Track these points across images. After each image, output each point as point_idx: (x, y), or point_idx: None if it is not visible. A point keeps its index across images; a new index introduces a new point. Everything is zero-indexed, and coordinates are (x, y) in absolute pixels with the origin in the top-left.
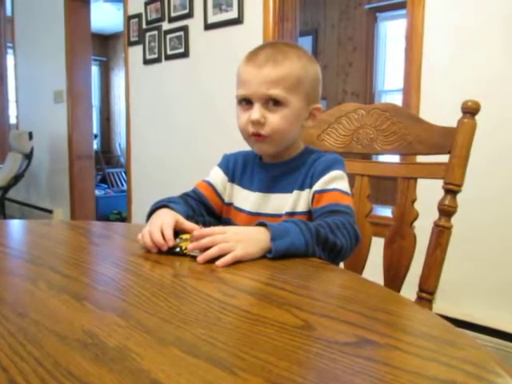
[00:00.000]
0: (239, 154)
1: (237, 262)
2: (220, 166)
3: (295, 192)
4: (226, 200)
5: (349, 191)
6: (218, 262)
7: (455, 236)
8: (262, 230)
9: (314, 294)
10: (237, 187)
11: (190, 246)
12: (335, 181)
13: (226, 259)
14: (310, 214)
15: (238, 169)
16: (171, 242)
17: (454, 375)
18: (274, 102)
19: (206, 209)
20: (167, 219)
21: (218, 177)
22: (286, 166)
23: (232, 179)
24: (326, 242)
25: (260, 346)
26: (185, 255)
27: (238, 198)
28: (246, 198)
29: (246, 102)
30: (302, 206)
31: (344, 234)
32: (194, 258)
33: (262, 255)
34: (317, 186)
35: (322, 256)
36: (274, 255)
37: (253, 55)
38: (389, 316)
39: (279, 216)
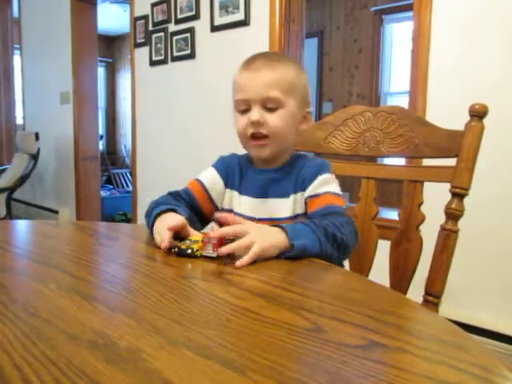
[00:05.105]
0: (234, 157)
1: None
2: (217, 169)
3: (292, 196)
4: (225, 207)
5: (340, 193)
6: (238, 263)
7: (459, 238)
8: (277, 229)
9: (322, 297)
10: (236, 193)
11: (212, 234)
12: (325, 184)
13: (245, 260)
14: (305, 216)
15: (236, 174)
16: (164, 243)
17: (464, 379)
18: (272, 103)
19: (195, 212)
20: (177, 220)
21: (213, 180)
22: (279, 172)
23: (229, 185)
24: (334, 239)
25: (270, 347)
26: (196, 257)
27: (238, 204)
28: (245, 204)
29: (244, 106)
30: (299, 209)
31: (347, 231)
32: (207, 258)
33: (277, 254)
34: (308, 192)
35: (334, 253)
36: (294, 253)
37: (248, 63)
38: (398, 319)
39: (279, 220)
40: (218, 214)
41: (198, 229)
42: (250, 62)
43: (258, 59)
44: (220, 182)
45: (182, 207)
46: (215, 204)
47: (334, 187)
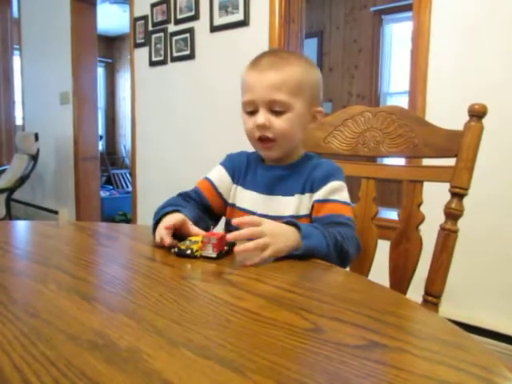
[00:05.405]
0: (243, 154)
1: None
2: (225, 166)
3: (297, 196)
4: (230, 201)
5: (349, 201)
6: (248, 262)
7: (459, 238)
8: (292, 228)
9: (322, 297)
10: (240, 188)
11: (229, 236)
12: (336, 192)
13: (256, 260)
14: (311, 218)
15: (242, 170)
16: (167, 240)
17: (463, 379)
18: (278, 106)
19: (206, 210)
20: (176, 218)
21: (221, 177)
22: (287, 170)
23: (236, 180)
24: (341, 250)
25: (270, 348)
26: (196, 257)
27: (240, 198)
28: (249, 199)
29: (251, 107)
30: (304, 210)
31: (352, 244)
32: (206, 258)
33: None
34: (317, 196)
35: (334, 261)
36: (303, 252)
37: (255, 62)
38: (397, 319)
39: (282, 218)
40: (234, 221)
41: (207, 227)
42: (258, 61)
43: (265, 58)
44: (228, 179)
45: (189, 208)
46: (225, 200)
47: (344, 196)
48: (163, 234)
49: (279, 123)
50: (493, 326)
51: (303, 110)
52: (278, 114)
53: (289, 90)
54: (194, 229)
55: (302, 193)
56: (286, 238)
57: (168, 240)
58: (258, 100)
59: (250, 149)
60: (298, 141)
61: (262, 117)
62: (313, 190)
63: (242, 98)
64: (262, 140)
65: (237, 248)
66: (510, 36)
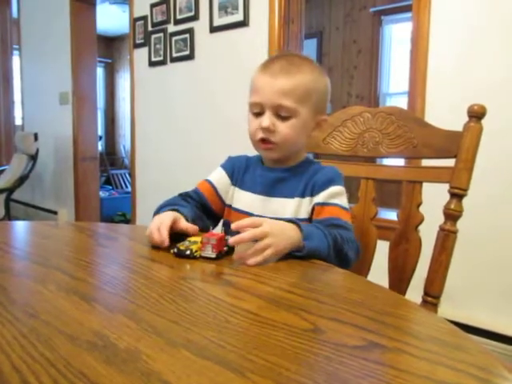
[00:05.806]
0: (243, 157)
1: None
2: (225, 168)
3: (297, 199)
4: (227, 202)
5: (348, 207)
6: (250, 262)
7: (458, 239)
8: (293, 227)
9: (321, 298)
10: (237, 189)
11: (231, 240)
12: (337, 196)
13: (258, 259)
14: (310, 222)
15: (241, 171)
16: (166, 242)
17: (462, 379)
18: (284, 112)
19: (205, 211)
20: (165, 219)
21: (220, 179)
22: (288, 172)
23: (234, 182)
24: (341, 252)
25: (269, 348)
26: (195, 258)
27: (236, 199)
28: (246, 200)
29: (257, 109)
30: (303, 213)
31: (352, 247)
32: (206, 258)
33: (288, 252)
34: (318, 199)
35: (333, 262)
36: (306, 253)
37: (267, 65)
38: (396, 320)
39: (280, 220)
40: (233, 226)
41: (206, 227)
42: (270, 64)
43: (277, 62)
44: (227, 180)
45: (188, 207)
46: (224, 201)
47: (344, 201)
48: (161, 235)
49: (283, 128)
50: (492, 327)
51: (308, 116)
52: (283, 118)
53: (296, 97)
54: (184, 224)
55: (302, 196)
56: (287, 236)
57: (166, 242)
58: (266, 103)
59: (249, 148)
60: (300, 146)
61: (268, 120)
62: (313, 194)
63: (250, 98)
64: (264, 141)
65: (237, 255)
66: (510, 36)
